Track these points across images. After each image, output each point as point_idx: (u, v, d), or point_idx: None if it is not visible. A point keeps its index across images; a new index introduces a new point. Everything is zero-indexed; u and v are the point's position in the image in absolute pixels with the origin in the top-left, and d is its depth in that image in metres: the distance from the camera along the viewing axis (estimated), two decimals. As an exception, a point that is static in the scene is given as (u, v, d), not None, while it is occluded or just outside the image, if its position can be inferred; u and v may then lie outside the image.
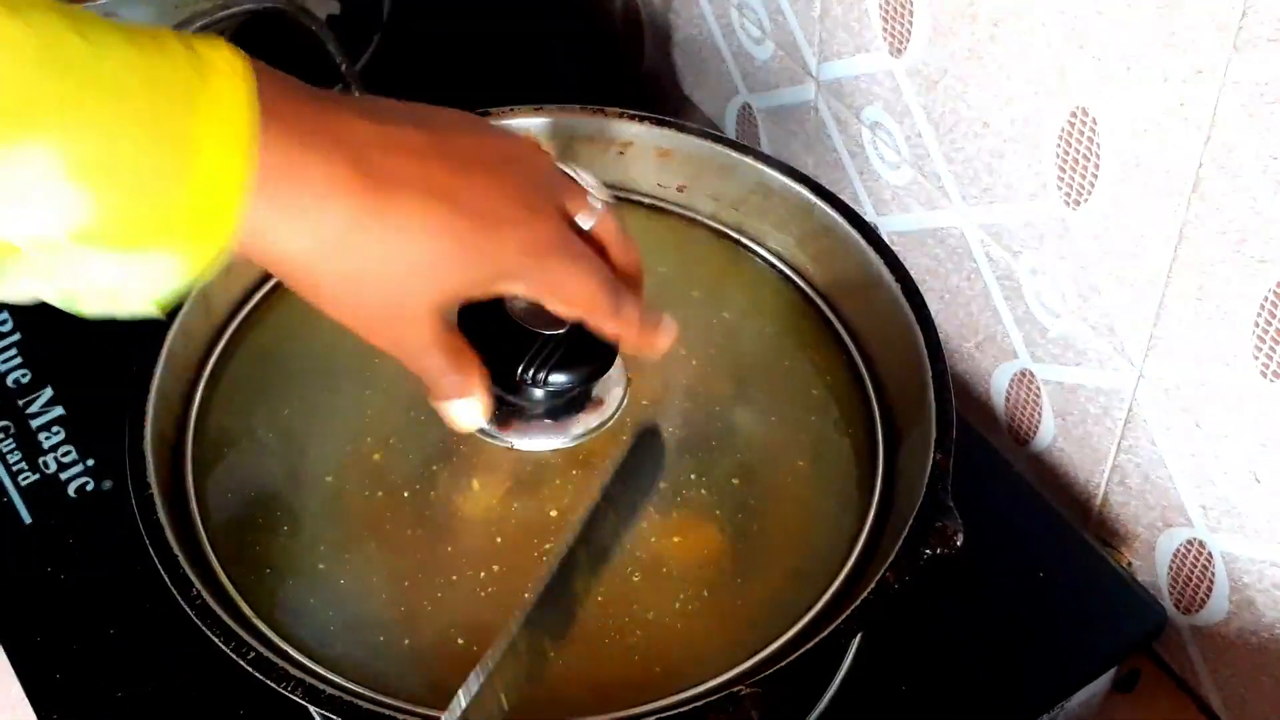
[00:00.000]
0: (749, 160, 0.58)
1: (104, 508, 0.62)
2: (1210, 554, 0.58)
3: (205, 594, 0.46)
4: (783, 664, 0.45)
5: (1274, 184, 0.47)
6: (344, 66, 0.59)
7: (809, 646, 0.45)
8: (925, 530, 0.47)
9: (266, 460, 0.53)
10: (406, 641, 0.48)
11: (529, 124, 0.60)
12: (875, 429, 0.54)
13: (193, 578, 0.47)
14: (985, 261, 0.64)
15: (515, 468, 0.51)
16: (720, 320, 0.57)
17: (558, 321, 0.49)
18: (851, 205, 0.57)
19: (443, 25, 0.84)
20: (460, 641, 0.48)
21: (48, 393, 0.66)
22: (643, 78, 0.87)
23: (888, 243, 0.56)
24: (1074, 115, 0.54)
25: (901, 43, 0.62)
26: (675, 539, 0.50)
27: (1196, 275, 0.52)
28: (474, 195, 0.42)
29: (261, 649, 0.45)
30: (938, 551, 0.47)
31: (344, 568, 0.50)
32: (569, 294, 0.45)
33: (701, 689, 0.46)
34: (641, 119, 0.59)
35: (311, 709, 0.48)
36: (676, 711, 0.44)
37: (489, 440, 0.51)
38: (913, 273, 0.54)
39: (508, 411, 0.51)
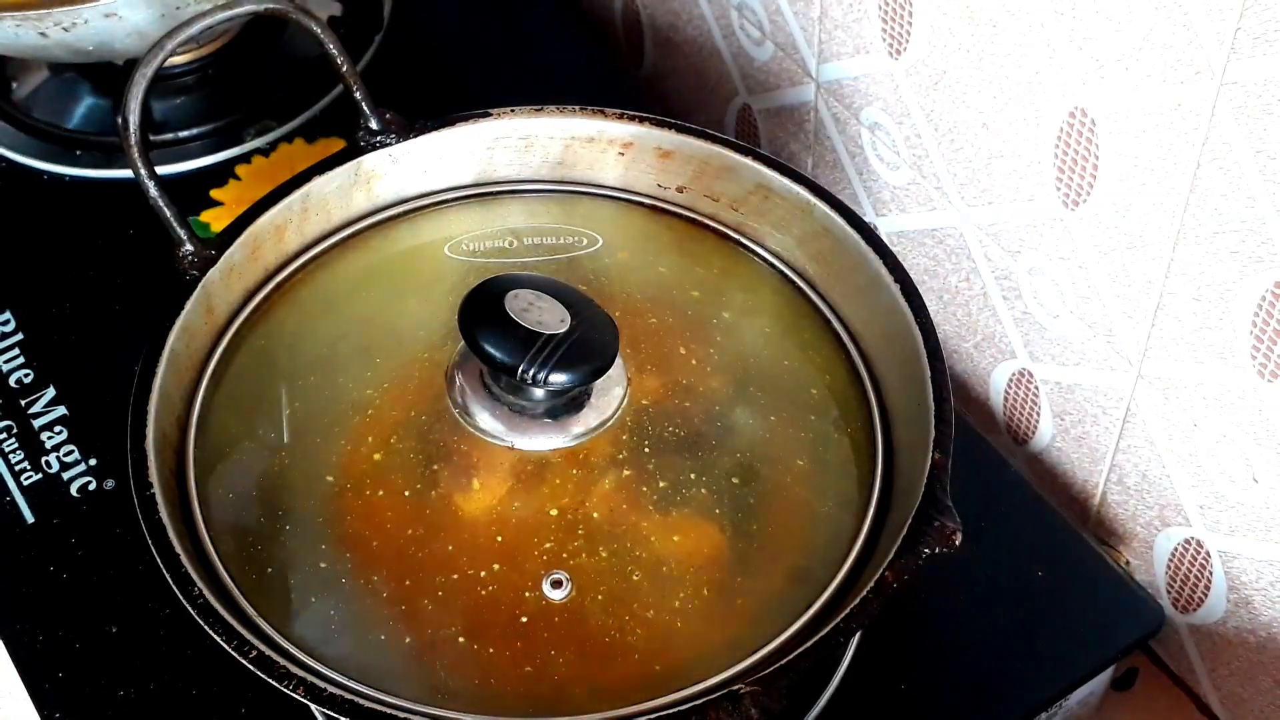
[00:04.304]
0: (749, 161, 0.58)
1: (106, 507, 0.62)
2: (1208, 553, 0.58)
3: (207, 593, 0.46)
4: (782, 662, 0.45)
5: (1271, 184, 0.47)
6: (345, 68, 0.59)
7: (808, 645, 0.45)
8: (924, 529, 0.47)
9: (268, 460, 0.53)
10: (407, 640, 0.48)
11: (529, 124, 0.60)
12: (874, 428, 0.54)
13: (194, 577, 0.47)
14: (984, 261, 0.64)
15: (515, 468, 0.51)
16: (720, 320, 0.57)
17: (558, 321, 0.50)
18: (851, 206, 0.57)
19: (443, 26, 0.84)
20: (461, 640, 0.48)
21: (50, 392, 0.67)
22: (643, 78, 0.87)
23: (887, 243, 0.56)
24: (1072, 116, 0.54)
25: (901, 44, 0.62)
26: (675, 539, 0.51)
27: (1194, 275, 0.52)
28: None
29: (263, 647, 0.46)
30: (936, 550, 0.47)
31: (345, 566, 0.50)
32: None
33: (701, 687, 0.47)
34: (641, 119, 0.59)
35: (313, 707, 0.48)
36: (677, 710, 0.45)
37: (489, 440, 0.52)
38: (912, 273, 0.54)
39: (508, 411, 0.52)
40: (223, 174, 0.75)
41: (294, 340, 0.57)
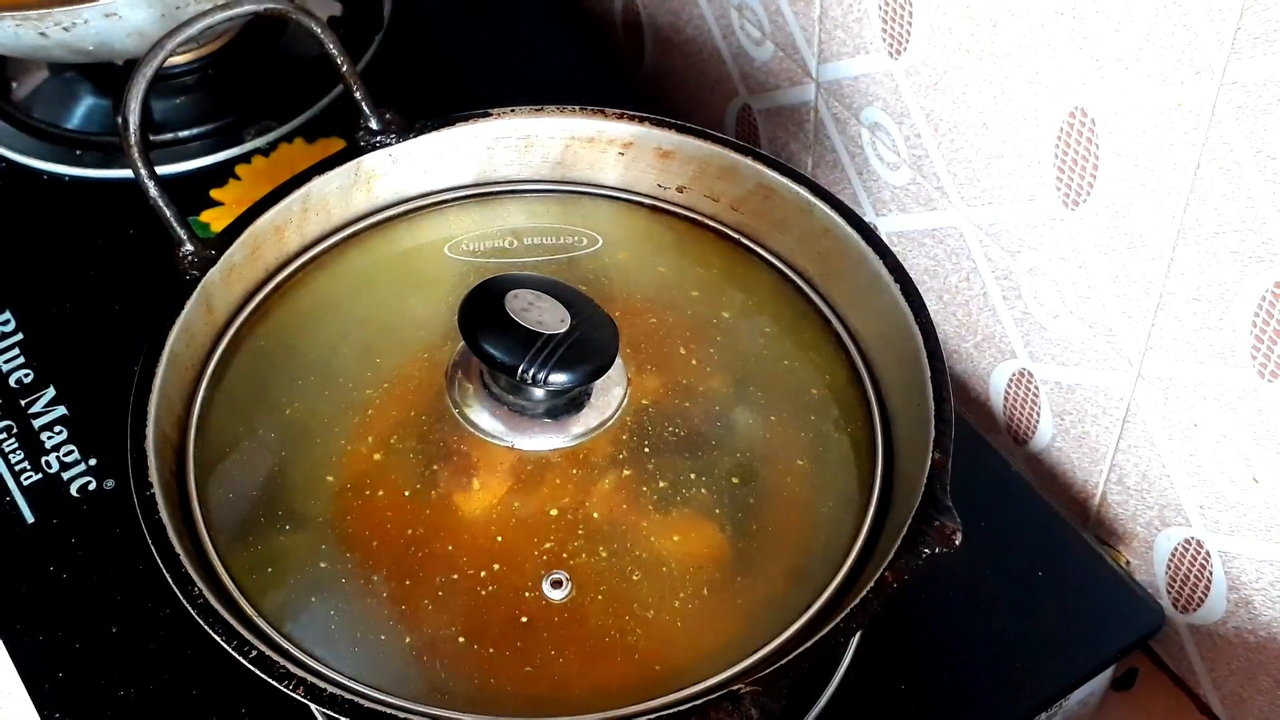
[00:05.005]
0: (749, 161, 0.58)
1: (106, 507, 0.62)
2: (1208, 553, 0.58)
3: (207, 593, 0.46)
4: (782, 662, 0.45)
5: (1271, 184, 0.47)
6: (345, 68, 0.59)
7: (808, 645, 0.45)
8: (924, 529, 0.47)
9: (268, 460, 0.53)
10: (407, 640, 0.48)
11: (529, 124, 0.60)
12: (874, 428, 0.54)
13: (194, 577, 0.47)
14: (984, 261, 0.64)
15: (515, 468, 0.51)
16: (720, 320, 0.57)
17: (558, 321, 0.50)
18: (851, 206, 0.57)
19: (443, 26, 0.84)
20: (461, 640, 0.48)
21: (50, 392, 0.67)
22: (643, 78, 0.87)
23: (887, 243, 0.56)
24: (1073, 115, 0.54)
25: (901, 43, 0.62)
26: (675, 538, 0.51)
27: (1194, 275, 0.52)
28: None
29: (263, 647, 0.46)
30: (936, 551, 0.47)
31: (345, 566, 0.50)
32: None
33: (701, 687, 0.46)
34: (641, 119, 0.59)
35: (313, 707, 0.48)
36: (677, 710, 0.45)
37: (489, 440, 0.52)
38: (911, 273, 0.54)
39: (508, 411, 0.52)
40: (223, 174, 0.75)
41: (294, 340, 0.57)
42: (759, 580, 0.50)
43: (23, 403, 0.66)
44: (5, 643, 0.59)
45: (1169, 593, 0.61)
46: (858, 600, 0.46)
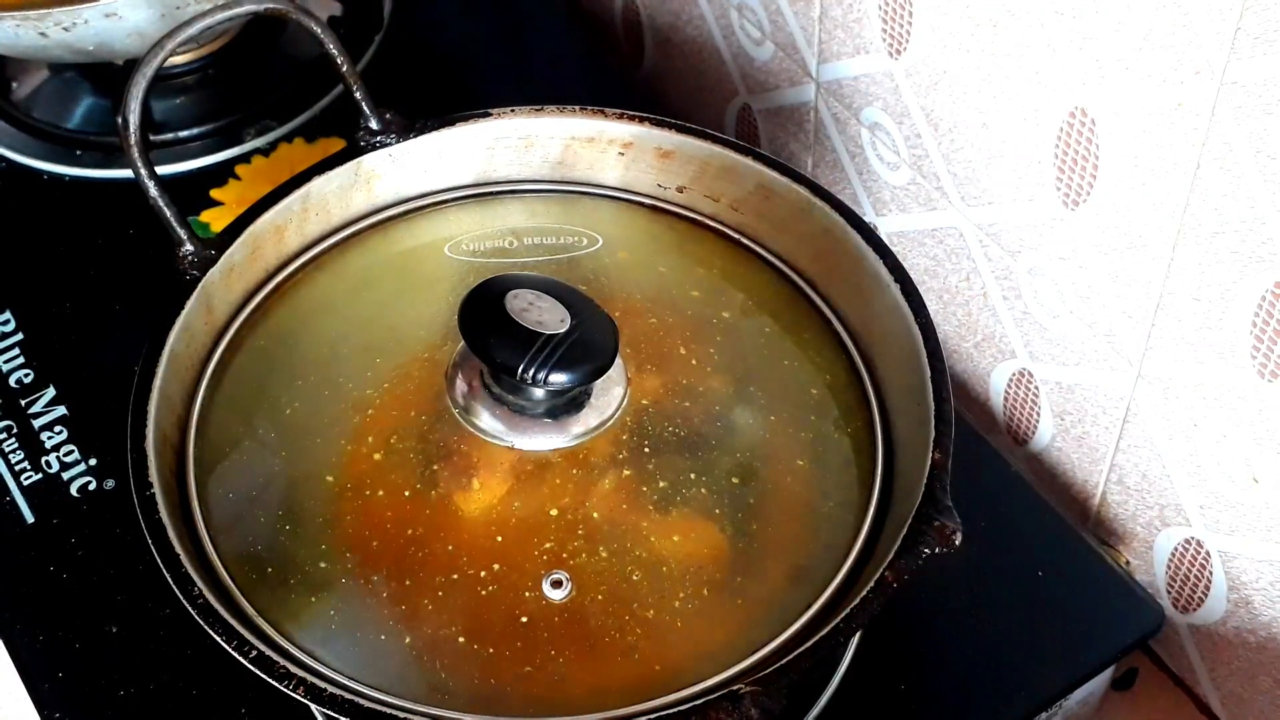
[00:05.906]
0: (749, 161, 0.58)
1: (106, 507, 0.62)
2: (1208, 553, 0.58)
3: (207, 593, 0.46)
4: (782, 662, 0.45)
5: (1271, 184, 0.47)
6: (345, 68, 0.59)
7: (808, 645, 0.45)
8: (924, 529, 0.47)
9: (268, 460, 0.53)
10: (407, 640, 0.48)
11: (529, 124, 0.60)
12: (874, 428, 0.54)
13: (194, 577, 0.47)
14: (984, 261, 0.64)
15: (515, 468, 0.51)
16: (720, 320, 0.57)
17: (558, 321, 0.50)
18: (851, 206, 0.57)
19: (443, 26, 0.84)
20: (461, 640, 0.48)
21: (50, 392, 0.67)
22: (643, 78, 0.87)
23: (887, 243, 0.56)
24: (1073, 115, 0.54)
25: (901, 43, 0.62)
26: (675, 538, 0.51)
27: (1194, 275, 0.52)
28: None
29: (263, 647, 0.46)
30: (936, 550, 0.47)
31: (345, 566, 0.50)
32: None
33: (701, 687, 0.47)
34: (641, 119, 0.59)
35: (313, 707, 0.48)
36: (677, 710, 0.45)
37: (489, 440, 0.52)
38: (912, 273, 0.54)
39: (508, 411, 0.52)
40: (223, 174, 0.75)
41: (294, 340, 0.57)
42: (759, 580, 0.50)
43: (23, 403, 0.66)
44: (5, 643, 0.59)
45: (1169, 593, 0.61)
46: (858, 600, 0.46)
